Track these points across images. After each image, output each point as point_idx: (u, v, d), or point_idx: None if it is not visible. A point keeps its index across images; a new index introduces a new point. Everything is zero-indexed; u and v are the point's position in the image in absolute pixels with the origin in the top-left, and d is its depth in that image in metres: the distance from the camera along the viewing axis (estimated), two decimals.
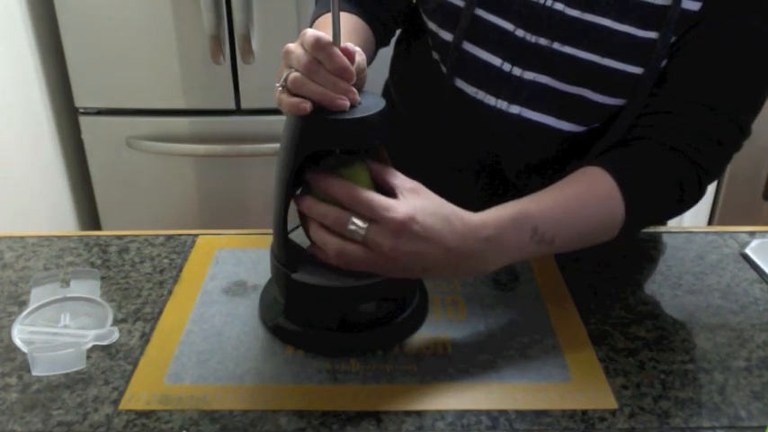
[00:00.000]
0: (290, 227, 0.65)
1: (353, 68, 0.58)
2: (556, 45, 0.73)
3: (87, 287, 0.72)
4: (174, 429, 0.56)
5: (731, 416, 0.59)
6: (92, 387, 0.60)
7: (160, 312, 0.70)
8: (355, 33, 0.79)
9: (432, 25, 0.80)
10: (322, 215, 0.60)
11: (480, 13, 0.75)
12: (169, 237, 0.83)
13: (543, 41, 0.73)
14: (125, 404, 0.59)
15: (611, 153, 0.72)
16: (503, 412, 0.59)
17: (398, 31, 0.93)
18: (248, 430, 0.56)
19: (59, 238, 0.83)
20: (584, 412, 0.59)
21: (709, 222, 2.00)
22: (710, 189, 1.71)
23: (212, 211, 1.79)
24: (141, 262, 0.78)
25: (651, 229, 0.87)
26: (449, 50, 0.78)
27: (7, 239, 0.82)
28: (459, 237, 0.60)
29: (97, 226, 1.82)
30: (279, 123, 0.63)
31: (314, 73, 0.57)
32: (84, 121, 1.69)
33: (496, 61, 0.76)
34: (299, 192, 0.64)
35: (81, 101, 1.67)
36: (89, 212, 1.85)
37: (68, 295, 0.71)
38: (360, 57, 0.61)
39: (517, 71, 0.76)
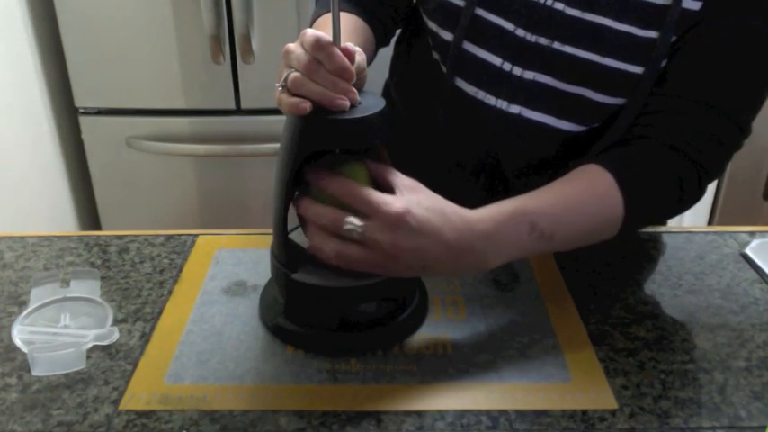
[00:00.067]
0: (290, 227, 0.65)
1: (353, 68, 0.58)
2: (556, 45, 0.73)
3: (87, 287, 0.72)
4: (174, 429, 0.56)
5: (731, 416, 0.59)
6: (92, 387, 0.60)
7: (160, 312, 0.70)
8: (355, 33, 0.79)
9: (432, 25, 0.80)
10: (318, 216, 0.60)
11: (480, 12, 0.75)
12: (169, 237, 0.83)
13: (543, 41, 0.73)
14: (125, 404, 0.59)
15: (610, 152, 0.72)
16: (503, 412, 0.59)
17: (398, 31, 0.93)
18: (248, 430, 0.56)
19: (59, 238, 0.83)
20: (585, 412, 0.59)
21: (710, 222, 2.00)
22: (710, 189, 1.71)
23: (212, 211, 1.79)
24: (141, 262, 0.78)
25: (651, 229, 0.87)
26: (449, 50, 0.78)
27: (7, 239, 0.82)
28: (457, 231, 0.60)
29: (97, 226, 1.82)
30: (279, 123, 0.63)
31: (314, 73, 0.57)
32: (84, 121, 1.69)
33: (496, 61, 0.76)
34: (297, 192, 0.64)
35: (81, 101, 1.67)
36: (89, 212, 1.85)
37: (68, 295, 0.71)
38: (360, 57, 0.61)
39: (517, 71, 0.76)
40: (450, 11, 0.77)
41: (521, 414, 0.58)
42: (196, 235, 0.83)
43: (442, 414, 0.58)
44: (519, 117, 0.77)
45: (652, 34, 0.70)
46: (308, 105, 0.57)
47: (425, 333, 0.68)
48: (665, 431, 0.57)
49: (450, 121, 0.82)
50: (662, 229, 0.88)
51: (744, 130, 0.71)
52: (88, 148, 1.72)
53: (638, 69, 0.71)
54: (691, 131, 0.70)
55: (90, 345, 0.64)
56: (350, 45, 0.59)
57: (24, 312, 0.68)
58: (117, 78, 1.64)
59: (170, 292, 0.73)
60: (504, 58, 0.76)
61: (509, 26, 0.75)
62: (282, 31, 1.61)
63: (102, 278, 0.75)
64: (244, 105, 1.68)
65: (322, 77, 0.57)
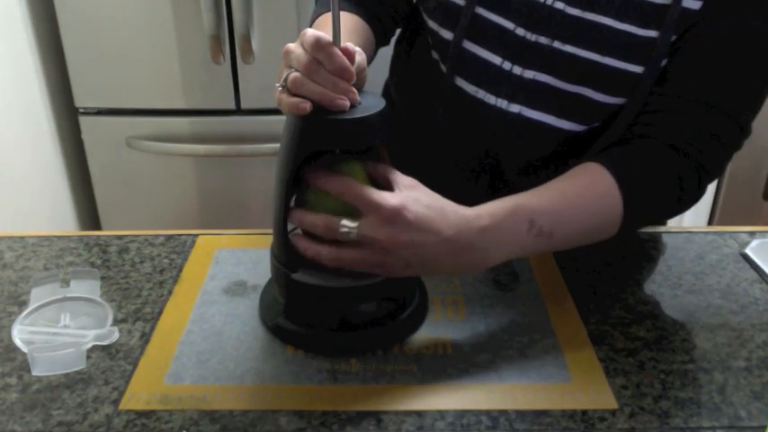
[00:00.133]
0: (290, 227, 0.65)
1: (353, 68, 0.58)
2: (556, 44, 0.73)
3: (87, 287, 0.72)
4: (174, 429, 0.56)
5: (731, 416, 0.59)
6: (92, 387, 0.60)
7: (160, 312, 0.70)
8: (355, 33, 0.79)
9: (432, 24, 0.80)
10: (312, 225, 0.60)
11: (480, 11, 0.75)
12: (169, 237, 0.83)
13: (543, 40, 0.73)
14: (125, 404, 0.59)
15: (610, 151, 0.72)
16: (503, 412, 0.59)
17: (398, 31, 0.93)
18: (248, 430, 0.56)
19: (59, 238, 0.83)
20: (585, 412, 0.59)
21: (710, 222, 2.00)
22: (710, 189, 1.71)
23: (212, 211, 1.79)
24: (141, 262, 0.78)
25: (651, 229, 0.87)
26: (449, 49, 0.78)
27: (7, 239, 0.82)
28: (455, 227, 0.60)
29: (97, 226, 1.82)
30: (279, 123, 0.63)
31: (314, 73, 0.57)
32: (84, 121, 1.69)
33: (496, 60, 0.76)
34: (295, 195, 0.64)
35: (81, 101, 1.67)
36: (89, 212, 1.85)
37: (68, 295, 0.71)
38: (360, 57, 0.61)
39: (517, 70, 0.76)
40: (450, 10, 0.77)
41: (521, 414, 0.58)
42: (196, 235, 0.83)
43: (442, 414, 0.58)
44: (519, 116, 0.77)
45: (652, 34, 0.70)
46: (307, 105, 0.57)
47: (425, 333, 0.68)
48: (665, 431, 0.57)
49: (450, 120, 0.82)
50: (662, 229, 0.88)
51: (744, 130, 0.71)
52: (88, 148, 1.72)
53: (638, 69, 0.71)
54: (691, 131, 0.70)
55: (90, 345, 0.64)
56: (350, 45, 0.59)
57: (24, 312, 0.68)
58: (117, 78, 1.64)
59: (170, 292, 0.73)
60: (505, 58, 0.76)
61: (509, 25, 0.75)
62: (282, 31, 1.61)
63: (102, 278, 0.75)
64: (244, 105, 1.68)
65: (322, 77, 0.57)
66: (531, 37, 0.74)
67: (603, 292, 0.75)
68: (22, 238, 0.82)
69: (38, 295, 0.70)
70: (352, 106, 0.58)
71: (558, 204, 0.65)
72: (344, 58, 0.57)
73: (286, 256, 0.64)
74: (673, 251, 0.83)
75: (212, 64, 1.61)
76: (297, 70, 0.58)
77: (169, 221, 1.78)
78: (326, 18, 0.79)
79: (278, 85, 0.60)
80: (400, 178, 0.62)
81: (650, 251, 0.84)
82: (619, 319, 0.70)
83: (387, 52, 0.94)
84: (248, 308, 0.71)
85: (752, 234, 0.86)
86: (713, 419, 0.58)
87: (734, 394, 0.61)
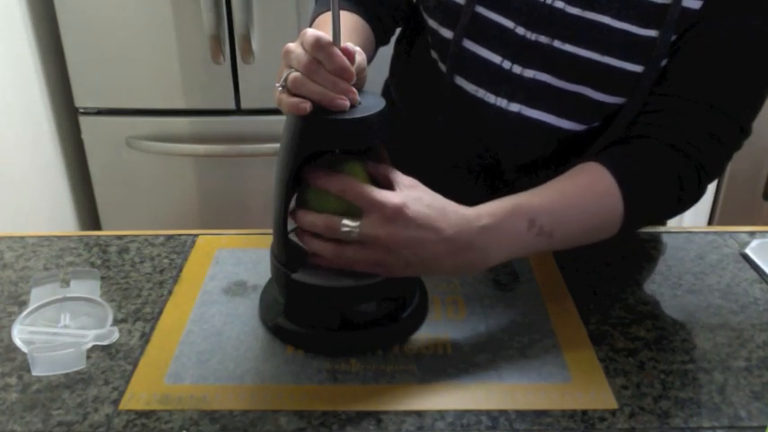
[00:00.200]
0: (290, 227, 0.65)
1: (353, 68, 0.58)
2: (556, 43, 0.73)
3: (87, 287, 0.72)
4: (174, 429, 0.56)
5: (731, 416, 0.59)
6: (92, 387, 0.60)
7: (160, 312, 0.70)
8: (355, 33, 0.79)
9: (432, 23, 0.80)
10: (312, 225, 0.61)
11: (480, 10, 0.75)
12: (169, 237, 0.83)
13: (543, 39, 0.73)
14: (125, 404, 0.59)
15: (610, 150, 0.72)
16: (503, 412, 0.59)
17: (398, 30, 0.93)
18: (248, 430, 0.56)
19: (59, 238, 0.83)
20: (585, 412, 0.59)
21: (710, 222, 2.00)
22: (710, 189, 1.71)
23: (212, 211, 1.79)
24: (141, 262, 0.78)
25: (651, 229, 0.87)
26: (449, 48, 0.78)
27: (7, 239, 0.82)
28: (456, 227, 0.60)
29: (97, 226, 1.82)
30: (279, 123, 0.63)
31: (314, 73, 0.57)
32: (84, 121, 1.69)
33: (496, 59, 0.76)
34: (296, 194, 0.64)
35: (81, 101, 1.67)
36: (89, 212, 1.85)
37: (68, 295, 0.71)
38: (360, 57, 0.61)
39: (517, 69, 0.76)
40: (450, 9, 0.77)
41: (521, 414, 0.58)
42: (196, 235, 0.83)
43: (441, 414, 0.58)
44: (518, 115, 0.77)
45: (652, 33, 0.70)
46: (308, 105, 0.57)
47: (425, 333, 0.68)
48: (665, 431, 0.57)
49: (450, 119, 0.82)
50: (662, 229, 0.88)
51: (744, 130, 0.71)
52: (88, 148, 1.72)
53: (637, 68, 0.71)
54: (691, 131, 0.70)
55: (90, 345, 0.64)
56: (350, 45, 0.59)
57: (24, 312, 0.68)
58: (117, 78, 1.64)
59: (170, 292, 0.73)
60: (504, 57, 0.76)
61: (509, 24, 0.75)
62: (282, 31, 1.61)
63: (102, 278, 0.75)
64: (244, 105, 1.68)
65: (322, 77, 0.57)
66: (531, 36, 0.74)
67: (603, 292, 0.75)
68: (22, 238, 0.82)
69: (38, 295, 0.70)
70: (352, 106, 0.58)
71: (558, 204, 0.65)
72: (344, 58, 0.57)
73: (286, 256, 0.64)
74: (673, 251, 0.83)
75: (212, 64, 1.61)
76: (297, 70, 0.58)
77: (169, 221, 1.78)
78: (326, 17, 0.79)
79: (278, 85, 0.60)
80: (401, 178, 0.62)
81: (650, 251, 0.84)
82: (619, 319, 0.70)
83: (387, 52, 0.94)
84: (248, 308, 0.71)
85: (752, 234, 0.86)
86: (713, 419, 0.58)
87: (734, 394, 0.61)
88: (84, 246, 0.81)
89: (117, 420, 0.57)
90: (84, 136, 1.70)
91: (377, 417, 0.58)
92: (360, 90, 0.61)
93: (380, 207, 0.58)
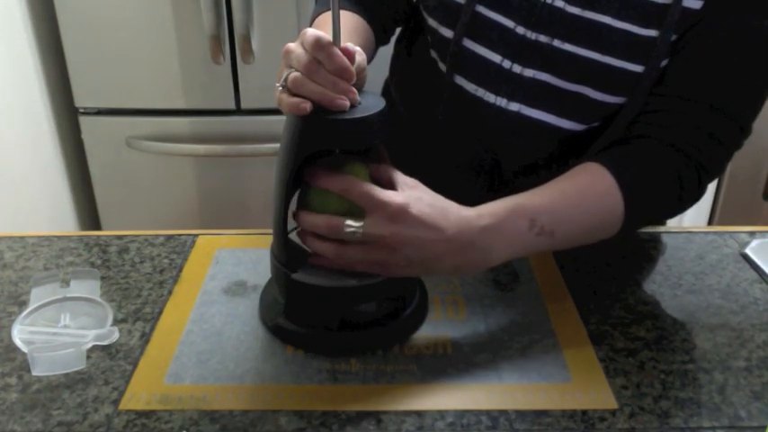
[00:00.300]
0: (290, 227, 0.65)
1: (353, 68, 0.58)
2: (556, 42, 0.73)
3: (87, 287, 0.72)
4: (174, 429, 0.56)
5: (731, 416, 0.59)
6: (92, 387, 0.60)
7: (160, 312, 0.70)
8: (355, 33, 0.79)
9: (432, 22, 0.80)
10: (315, 226, 0.61)
11: (481, 9, 0.75)
12: (169, 237, 0.83)
13: (543, 39, 0.73)
14: (125, 404, 0.59)
15: (610, 150, 0.72)
16: (503, 412, 0.59)
17: (398, 30, 0.93)
18: (248, 430, 0.56)
19: (59, 238, 0.83)
20: (585, 412, 0.59)
21: (710, 222, 2.00)
22: (710, 189, 1.70)
23: (212, 211, 1.79)
24: (141, 262, 0.78)
25: (651, 229, 0.87)
26: (448, 48, 0.78)
27: (7, 239, 0.82)
28: (457, 227, 0.60)
29: (97, 226, 1.82)
30: (279, 123, 0.63)
31: (314, 73, 0.57)
32: (84, 121, 1.69)
33: (496, 58, 0.76)
34: (297, 194, 0.64)
35: (81, 101, 1.67)
36: (89, 212, 1.85)
37: (68, 295, 0.71)
38: (360, 57, 0.61)
39: (517, 68, 0.76)
40: (450, 8, 0.77)
41: (521, 414, 0.58)
42: (196, 235, 0.83)
43: (441, 414, 0.58)
44: (518, 115, 0.77)
45: (652, 33, 0.70)
46: (308, 105, 0.57)
47: (425, 333, 0.68)
48: (665, 431, 0.57)
49: (450, 119, 0.82)
50: (662, 229, 0.88)
51: (744, 130, 0.71)
52: (88, 148, 1.72)
53: (638, 68, 0.71)
54: (691, 131, 0.70)
55: (90, 345, 0.64)
56: (350, 45, 0.59)
57: (24, 312, 0.68)
58: (117, 78, 1.64)
59: (170, 292, 0.73)
60: (504, 56, 0.76)
61: (509, 23, 0.75)
62: (282, 31, 1.61)
63: (102, 278, 0.75)
64: (244, 105, 1.68)
65: (322, 77, 0.57)
66: (531, 35, 0.74)
67: (603, 292, 0.75)
68: (22, 238, 0.82)
69: (38, 295, 0.70)
70: (352, 106, 0.58)
71: (558, 204, 0.65)
72: (344, 58, 0.57)
73: (286, 256, 0.64)
74: (673, 251, 0.83)
75: (212, 64, 1.61)
76: (297, 70, 0.58)
77: (169, 221, 1.78)
78: (327, 17, 0.79)
79: (278, 84, 0.60)
80: (402, 178, 0.63)
81: (650, 251, 0.84)
82: (619, 319, 0.70)
83: (387, 51, 0.94)
84: (248, 308, 0.71)
85: (752, 234, 0.86)
86: (713, 419, 0.58)
87: (734, 394, 0.61)
88: (84, 246, 0.81)
89: (117, 420, 0.57)
90: (84, 136, 1.70)
91: (377, 417, 0.58)
92: (360, 90, 0.61)
93: (384, 206, 0.58)
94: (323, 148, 0.61)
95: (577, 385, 0.61)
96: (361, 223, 0.59)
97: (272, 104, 0.61)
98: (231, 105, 1.68)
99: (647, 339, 0.68)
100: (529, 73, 0.75)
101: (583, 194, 0.67)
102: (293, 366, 0.63)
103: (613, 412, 0.59)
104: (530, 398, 0.60)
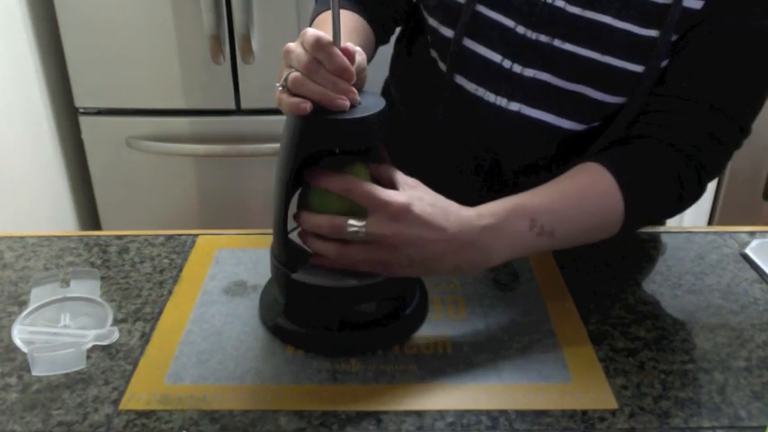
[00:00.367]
0: (290, 227, 0.65)
1: (353, 68, 0.58)
2: (556, 42, 0.73)
3: (87, 287, 0.72)
4: (174, 429, 0.56)
5: (731, 416, 0.59)
6: (92, 387, 0.60)
7: (160, 312, 0.70)
8: (356, 33, 0.79)
9: (432, 21, 0.80)
10: (317, 226, 0.61)
11: (481, 9, 0.75)
12: (169, 237, 0.83)
13: (544, 38, 0.73)
14: (125, 404, 0.59)
15: (610, 150, 0.72)
16: (503, 412, 0.59)
17: (398, 30, 0.93)
18: (248, 430, 0.56)
19: (59, 238, 0.83)
20: (585, 412, 0.59)
21: (710, 222, 2.00)
22: (710, 189, 1.70)
23: (212, 211, 1.79)
24: (141, 262, 0.78)
25: (651, 229, 0.87)
26: (449, 47, 0.78)
27: (7, 239, 0.82)
28: (458, 226, 0.60)
29: (97, 226, 1.82)
30: (279, 123, 0.63)
31: (314, 73, 0.57)
32: (84, 121, 1.69)
33: (497, 58, 0.76)
34: (298, 191, 0.64)
35: (81, 101, 1.67)
36: (89, 212, 1.85)
37: (68, 295, 0.71)
38: (360, 57, 0.61)
39: (517, 68, 0.76)
40: (451, 7, 0.77)
41: (521, 414, 0.58)
42: (196, 235, 0.83)
43: (441, 414, 0.58)
44: (518, 114, 0.77)
45: (653, 33, 0.70)
46: (308, 105, 0.57)
47: (425, 333, 0.68)
48: (665, 431, 0.57)
49: (450, 119, 0.82)
50: (662, 229, 0.88)
51: (744, 130, 0.71)
52: (88, 148, 1.72)
53: (638, 68, 0.71)
54: (690, 130, 0.70)
55: (90, 345, 0.64)
56: (350, 45, 0.59)
57: (24, 312, 0.68)
58: (117, 78, 1.64)
59: (170, 292, 0.73)
60: (505, 55, 0.76)
61: (509, 23, 0.75)
62: (282, 31, 1.61)
63: (102, 278, 0.75)
64: (244, 105, 1.68)
65: (322, 77, 0.57)
66: (532, 35, 0.74)
67: (603, 292, 0.75)
68: (22, 238, 0.82)
69: (38, 295, 0.70)
70: (353, 106, 0.58)
71: (558, 204, 0.65)
72: (344, 58, 0.57)
73: (286, 256, 0.64)
74: (673, 251, 0.83)
75: (212, 64, 1.61)
76: (297, 70, 0.58)
77: (169, 221, 1.78)
78: (326, 17, 0.79)
79: (278, 84, 0.60)
80: (403, 178, 0.63)
81: (650, 251, 0.84)
82: (619, 319, 0.70)
83: (387, 51, 0.94)
84: (248, 308, 0.71)
85: (752, 234, 0.86)
86: (713, 419, 0.58)
87: (734, 394, 0.61)
88: (84, 246, 0.81)
89: (117, 420, 0.57)
90: (84, 136, 1.70)
91: (377, 417, 0.58)
92: (360, 90, 0.61)
93: (386, 206, 0.58)
94: (323, 148, 0.61)
95: (577, 385, 0.61)
96: (364, 223, 0.59)
97: (272, 104, 0.61)
98: (231, 105, 1.68)
99: (647, 339, 0.68)
100: (529, 73, 0.75)
101: (583, 194, 0.67)
102: (293, 366, 0.63)
103: (613, 412, 0.59)
104: (530, 398, 0.60)
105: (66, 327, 0.67)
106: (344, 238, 0.60)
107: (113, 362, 0.63)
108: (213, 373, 0.62)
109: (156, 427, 0.56)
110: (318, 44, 0.57)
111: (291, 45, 0.60)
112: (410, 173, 0.64)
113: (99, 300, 0.71)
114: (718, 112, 0.70)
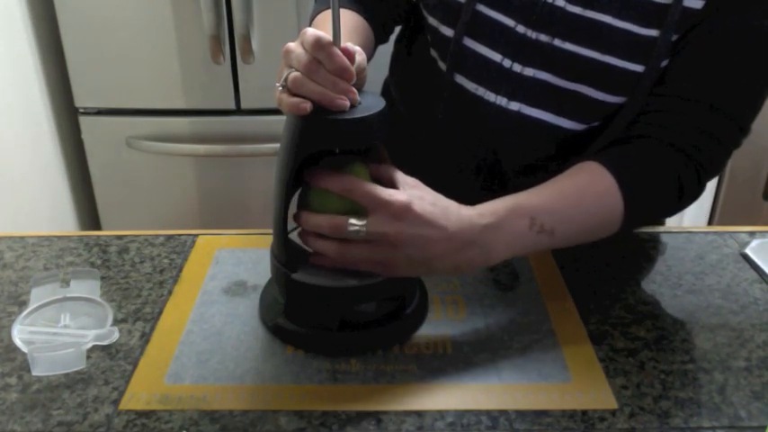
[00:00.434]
0: (290, 227, 0.65)
1: (353, 68, 0.58)
2: (556, 41, 0.73)
3: (87, 287, 0.72)
4: (174, 429, 0.56)
5: (731, 416, 0.59)
6: (92, 387, 0.60)
7: (160, 312, 0.70)
8: (355, 32, 0.79)
9: (432, 21, 0.80)
10: (317, 226, 0.61)
11: (481, 8, 0.75)
12: (169, 237, 0.83)
13: (544, 38, 0.73)
14: (125, 404, 0.59)
15: (610, 150, 0.72)
16: (503, 412, 0.59)
17: (398, 29, 0.93)
18: (248, 430, 0.56)
19: (59, 238, 0.83)
20: (585, 412, 0.59)
21: (710, 222, 2.00)
22: (710, 189, 1.70)
23: (212, 211, 1.79)
24: (141, 262, 0.78)
25: (651, 229, 0.87)
26: (449, 46, 0.78)
27: (7, 239, 0.82)
28: (458, 225, 0.60)
29: (97, 226, 1.82)
30: (279, 123, 0.63)
31: (314, 73, 0.57)
32: (84, 121, 1.69)
33: (497, 57, 0.76)
34: (298, 192, 0.64)
35: (81, 101, 1.67)
36: (89, 212, 1.85)
37: (68, 295, 0.71)
38: (360, 56, 0.61)
39: (517, 67, 0.76)
40: (451, 7, 0.77)
41: (521, 414, 0.58)
42: (196, 235, 0.83)
43: (441, 414, 0.58)
44: (518, 114, 0.77)
45: (653, 33, 0.70)
46: (308, 105, 0.57)
47: (425, 333, 0.68)
48: (665, 431, 0.57)
49: (450, 118, 0.82)
50: (662, 229, 0.88)
51: (744, 130, 0.71)
52: (88, 148, 1.72)
53: (638, 68, 0.71)
54: (690, 130, 0.70)
55: (90, 345, 0.64)
56: (350, 45, 0.59)
57: (24, 312, 0.68)
58: (117, 78, 1.64)
59: (170, 292, 0.73)
60: (505, 55, 0.76)
61: (510, 22, 0.75)
62: (282, 31, 1.61)
63: (102, 278, 0.75)
64: (244, 105, 1.68)
65: (322, 77, 0.57)
66: (532, 34, 0.74)
67: (603, 292, 0.75)
68: (22, 238, 0.82)
69: (38, 295, 0.70)
70: (352, 106, 0.58)
71: (558, 203, 0.65)
72: (344, 58, 0.57)
73: (286, 256, 0.64)
74: (673, 251, 0.83)
75: (212, 64, 1.61)
76: (297, 70, 0.58)
77: (169, 221, 1.78)
78: (326, 16, 0.79)
79: (278, 84, 0.60)
80: (403, 177, 0.63)
81: (650, 251, 0.84)
82: (619, 319, 0.70)
83: (387, 51, 0.94)
84: (248, 308, 0.71)
85: (752, 234, 0.86)
86: (713, 419, 0.58)
87: (734, 394, 0.61)
88: (84, 246, 0.81)
89: (117, 420, 0.57)
90: (84, 136, 1.70)
91: (377, 417, 0.58)
92: (360, 90, 0.61)
93: (387, 205, 0.58)
94: (323, 148, 0.61)
95: (577, 385, 0.61)
96: (365, 222, 0.59)
97: (272, 104, 0.61)
98: (231, 105, 1.68)
99: (647, 339, 0.68)
100: (529, 72, 0.75)
101: (583, 194, 0.67)
102: (293, 366, 0.63)
103: (613, 412, 0.59)
104: (530, 398, 0.60)
105: (66, 327, 0.67)
106: (345, 238, 0.60)
107: (113, 362, 0.63)
108: (213, 373, 0.62)
109: (156, 427, 0.56)
110: (318, 44, 0.57)
111: (291, 45, 0.60)
112: (410, 173, 0.64)
113: (99, 300, 0.71)
114: (718, 112, 0.70)
